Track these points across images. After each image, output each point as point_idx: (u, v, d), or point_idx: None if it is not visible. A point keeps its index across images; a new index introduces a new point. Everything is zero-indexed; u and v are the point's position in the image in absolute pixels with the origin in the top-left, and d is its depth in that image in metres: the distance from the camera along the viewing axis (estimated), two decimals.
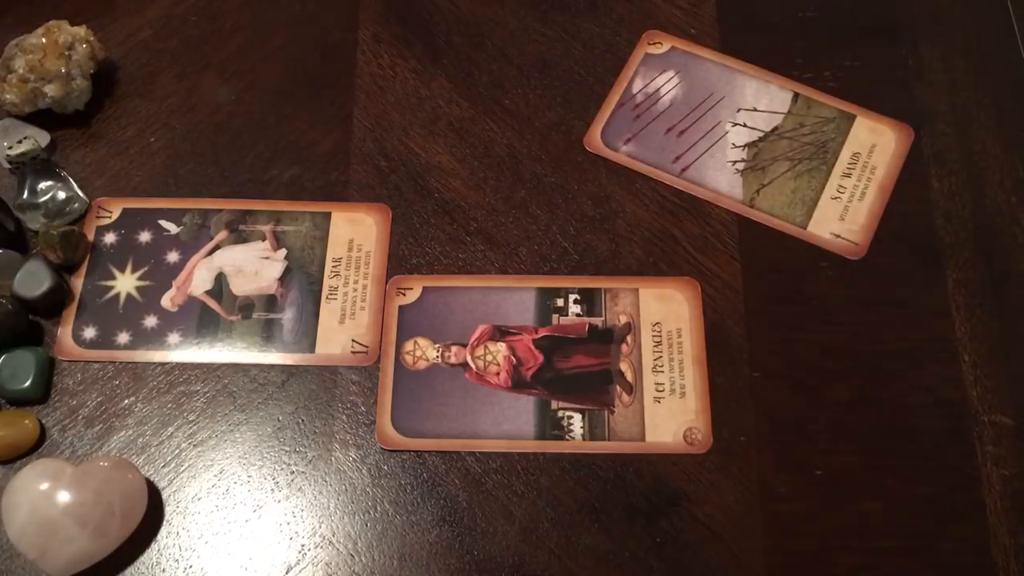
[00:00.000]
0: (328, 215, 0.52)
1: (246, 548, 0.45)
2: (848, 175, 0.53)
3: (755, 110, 0.55)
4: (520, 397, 0.48)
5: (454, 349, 0.49)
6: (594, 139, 0.54)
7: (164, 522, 0.45)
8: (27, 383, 0.47)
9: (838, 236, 0.51)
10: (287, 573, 0.44)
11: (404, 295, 0.50)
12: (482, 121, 0.55)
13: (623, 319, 0.49)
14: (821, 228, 0.51)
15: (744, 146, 0.54)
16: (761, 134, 0.54)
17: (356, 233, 0.52)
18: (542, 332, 0.49)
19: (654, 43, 0.56)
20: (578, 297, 0.50)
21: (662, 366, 0.48)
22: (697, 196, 0.52)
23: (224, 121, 0.55)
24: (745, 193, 0.52)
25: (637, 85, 0.55)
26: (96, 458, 0.46)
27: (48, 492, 0.43)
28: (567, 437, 0.47)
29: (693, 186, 0.52)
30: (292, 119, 0.55)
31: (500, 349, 0.49)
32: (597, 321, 0.49)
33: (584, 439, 0.47)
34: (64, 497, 0.43)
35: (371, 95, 0.56)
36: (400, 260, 0.51)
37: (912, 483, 0.45)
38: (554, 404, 0.47)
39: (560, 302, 0.50)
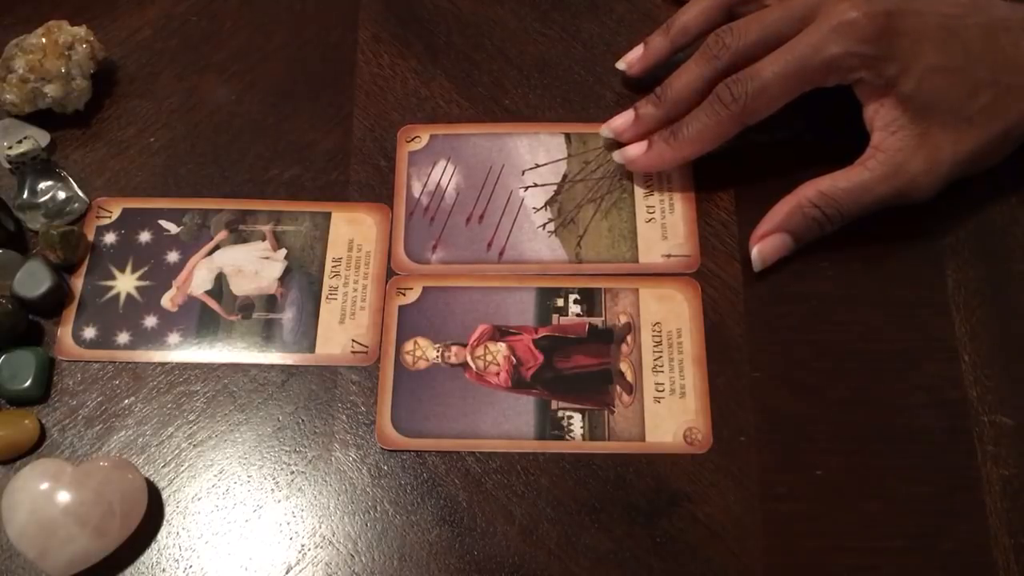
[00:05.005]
0: (328, 215, 0.52)
1: (246, 548, 0.45)
2: (650, 193, 0.52)
3: (537, 166, 0.53)
4: (520, 397, 0.48)
5: (454, 349, 0.49)
6: (400, 259, 0.51)
7: (164, 522, 0.45)
8: (27, 383, 0.47)
9: (669, 256, 0.50)
10: (287, 573, 0.44)
11: (404, 295, 0.50)
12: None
13: (623, 319, 0.49)
14: (651, 255, 0.50)
15: (545, 206, 0.52)
16: (555, 187, 0.52)
17: (356, 233, 0.52)
18: (542, 332, 0.49)
19: (412, 139, 0.53)
20: (578, 297, 0.50)
21: (662, 366, 0.48)
22: (526, 274, 0.50)
23: (224, 121, 0.55)
24: (568, 251, 0.50)
25: (416, 188, 0.52)
26: (96, 458, 0.46)
27: (48, 492, 0.43)
28: (567, 437, 0.47)
29: (517, 266, 0.50)
30: (292, 119, 0.55)
31: (500, 349, 0.49)
32: (597, 321, 0.49)
33: (584, 439, 0.46)
34: (64, 497, 0.43)
35: (371, 95, 0.56)
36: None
37: (912, 483, 0.45)
38: (554, 404, 0.47)
39: (560, 302, 0.50)
